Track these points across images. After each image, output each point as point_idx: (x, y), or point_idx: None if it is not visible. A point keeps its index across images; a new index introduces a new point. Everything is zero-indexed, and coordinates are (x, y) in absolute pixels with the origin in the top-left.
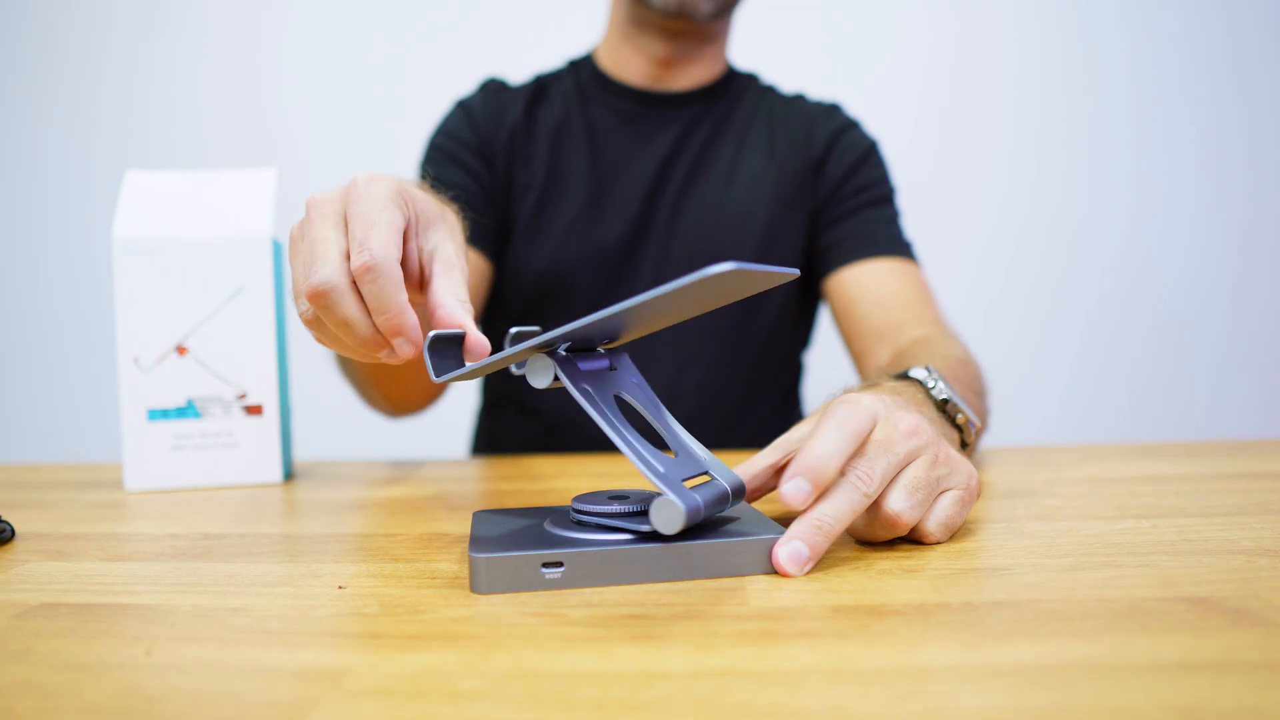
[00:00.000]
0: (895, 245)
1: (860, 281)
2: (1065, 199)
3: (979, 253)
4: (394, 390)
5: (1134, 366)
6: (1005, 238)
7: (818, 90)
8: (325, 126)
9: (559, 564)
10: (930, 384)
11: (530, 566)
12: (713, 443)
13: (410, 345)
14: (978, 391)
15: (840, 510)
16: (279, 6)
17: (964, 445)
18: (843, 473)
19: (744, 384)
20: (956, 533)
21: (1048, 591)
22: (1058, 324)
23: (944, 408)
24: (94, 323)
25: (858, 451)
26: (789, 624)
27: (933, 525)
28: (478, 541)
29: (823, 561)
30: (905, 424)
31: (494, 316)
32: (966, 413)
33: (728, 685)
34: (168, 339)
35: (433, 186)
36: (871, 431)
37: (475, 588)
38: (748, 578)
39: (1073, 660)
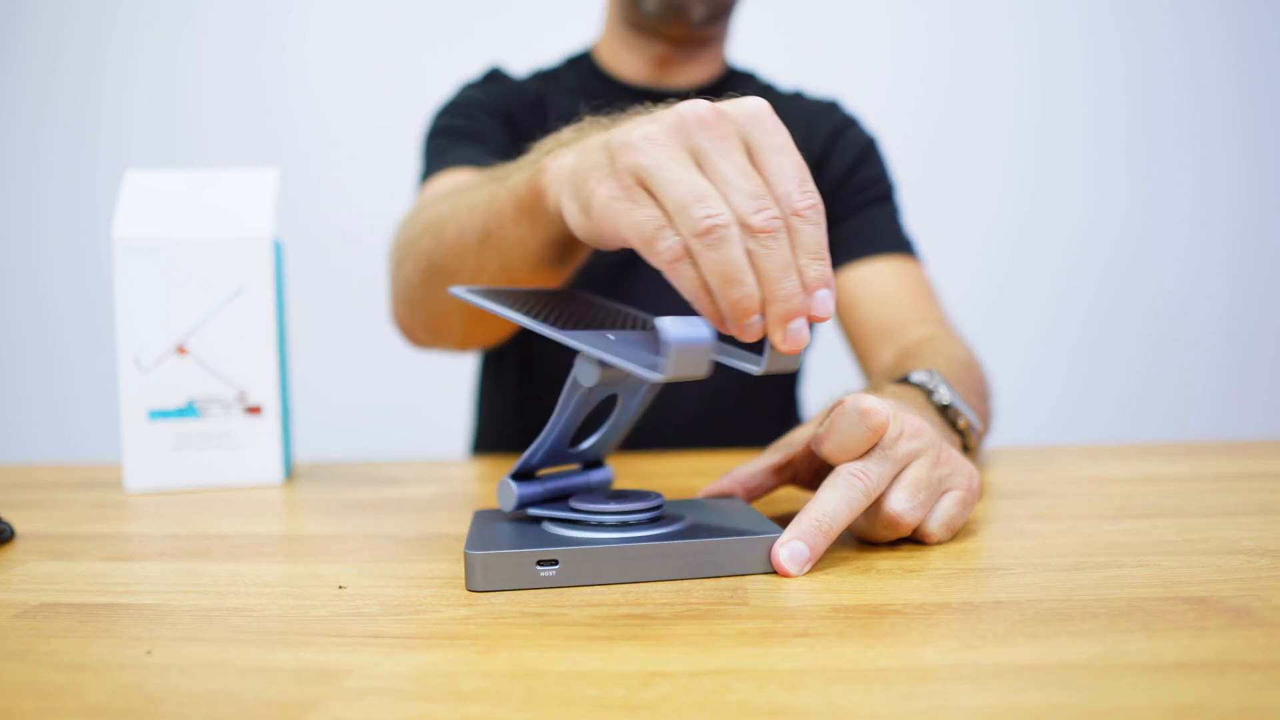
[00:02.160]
0: (897, 243)
1: (862, 281)
2: (1064, 198)
3: (978, 252)
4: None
5: (1133, 366)
6: (1004, 237)
7: (816, 88)
8: (326, 126)
9: (554, 561)
10: (932, 388)
11: (525, 564)
12: (712, 445)
13: (832, 296)
14: (981, 394)
15: (838, 509)
16: (279, 6)
17: (966, 449)
18: (839, 472)
19: (743, 387)
20: (957, 533)
21: (1048, 591)
22: (1057, 324)
23: (945, 412)
24: (94, 323)
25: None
26: (789, 624)
27: (935, 525)
28: (474, 539)
29: (823, 561)
30: (906, 425)
31: None
32: (968, 417)
33: (728, 685)
34: (168, 339)
35: (469, 134)
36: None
37: (471, 585)
38: (747, 578)
39: (1073, 660)
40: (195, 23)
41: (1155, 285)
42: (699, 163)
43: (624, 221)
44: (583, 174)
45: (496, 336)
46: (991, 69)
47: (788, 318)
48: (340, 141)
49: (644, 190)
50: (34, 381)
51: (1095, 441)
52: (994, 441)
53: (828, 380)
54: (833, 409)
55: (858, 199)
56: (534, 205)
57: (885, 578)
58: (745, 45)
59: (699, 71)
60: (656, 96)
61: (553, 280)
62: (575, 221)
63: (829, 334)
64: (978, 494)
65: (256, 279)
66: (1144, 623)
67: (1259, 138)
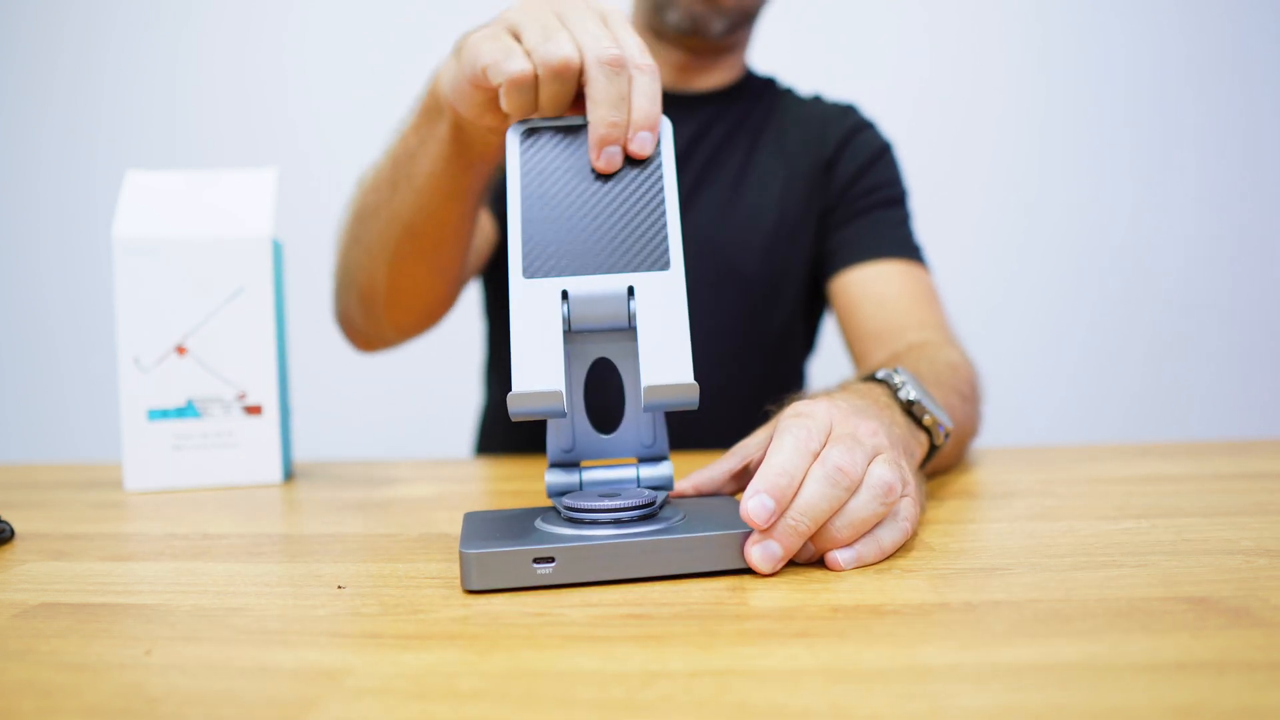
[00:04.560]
0: (903, 247)
1: (864, 283)
2: (1067, 199)
3: (981, 254)
4: (417, 277)
5: (1134, 366)
6: (1007, 238)
7: (817, 90)
8: (326, 126)
9: (550, 559)
10: (897, 385)
11: (522, 562)
12: (711, 447)
13: (654, 141)
14: (965, 396)
15: (821, 513)
16: (279, 6)
17: (934, 448)
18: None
19: (751, 391)
20: (956, 533)
21: (1048, 591)
22: (1059, 324)
23: (910, 409)
24: (94, 323)
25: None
26: (789, 624)
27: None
28: (469, 538)
29: (821, 562)
30: (863, 429)
31: (503, 294)
32: (934, 414)
33: (728, 685)
34: (168, 339)
35: None
36: (826, 441)
37: (466, 584)
38: (748, 578)
39: (1073, 660)
40: (195, 23)
41: (1157, 286)
42: (563, 23)
43: (483, 49)
44: (467, 41)
45: (426, 301)
46: (993, 70)
47: (604, 141)
48: (340, 141)
49: (510, 35)
50: (34, 381)
51: (1095, 441)
52: (994, 441)
53: (826, 375)
54: (779, 417)
55: (864, 202)
56: (429, 104)
57: (885, 578)
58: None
59: (718, 77)
60: (675, 101)
61: (455, 192)
62: (448, 78)
63: (831, 339)
64: (917, 519)
65: (256, 279)
66: (1144, 623)
67: (1261, 139)
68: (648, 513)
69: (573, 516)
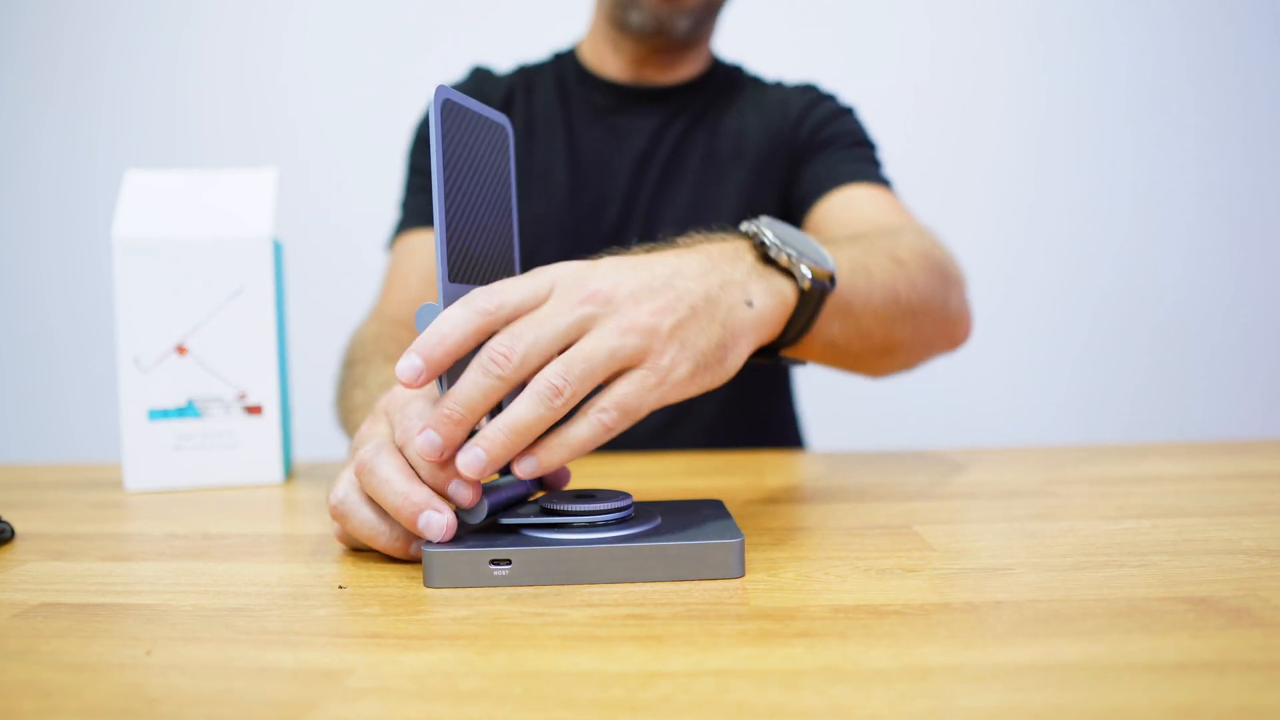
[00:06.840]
0: (870, 174)
1: (837, 208)
2: (1068, 198)
3: (982, 252)
4: None
5: (1135, 367)
6: (1008, 237)
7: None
8: (326, 126)
9: (507, 561)
10: (753, 231)
11: (479, 562)
12: (699, 443)
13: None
14: (900, 259)
15: (473, 400)
16: (279, 6)
17: (804, 293)
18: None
19: (728, 390)
20: (956, 533)
21: (1048, 591)
22: (1060, 323)
23: (765, 252)
24: (94, 323)
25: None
26: (789, 624)
27: (596, 415)
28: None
29: (822, 562)
30: (589, 288)
31: None
32: (788, 253)
33: (728, 685)
34: (168, 339)
35: (413, 178)
36: (541, 303)
37: (428, 582)
38: (748, 578)
39: (1073, 660)
40: (195, 23)
41: (1158, 286)
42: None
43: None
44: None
45: None
46: (994, 70)
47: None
48: (340, 141)
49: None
50: (34, 381)
51: (1096, 441)
52: (996, 441)
53: (819, 371)
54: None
55: (828, 144)
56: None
57: (885, 578)
58: (747, 45)
59: (683, 70)
60: (635, 93)
61: None
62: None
63: None
64: (671, 380)
65: (256, 279)
66: (1144, 623)
67: (1260, 139)
68: (621, 517)
69: (545, 520)
